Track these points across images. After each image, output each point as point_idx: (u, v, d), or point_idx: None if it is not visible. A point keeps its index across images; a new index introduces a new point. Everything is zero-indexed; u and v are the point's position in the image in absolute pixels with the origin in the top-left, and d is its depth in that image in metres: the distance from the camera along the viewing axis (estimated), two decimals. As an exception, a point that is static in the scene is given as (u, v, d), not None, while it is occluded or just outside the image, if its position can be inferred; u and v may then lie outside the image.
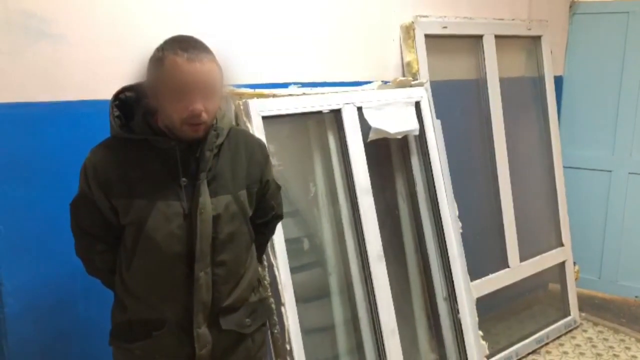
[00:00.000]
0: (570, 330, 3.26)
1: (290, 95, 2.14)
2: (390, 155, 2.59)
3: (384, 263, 2.31)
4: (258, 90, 2.06)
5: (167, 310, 1.41)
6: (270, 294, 1.97)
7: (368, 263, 2.27)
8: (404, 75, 2.64)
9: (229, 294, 1.46)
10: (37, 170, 1.72)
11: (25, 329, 1.75)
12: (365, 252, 2.28)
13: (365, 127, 2.31)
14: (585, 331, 3.27)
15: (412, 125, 2.46)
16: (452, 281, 2.57)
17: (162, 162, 1.37)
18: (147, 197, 1.36)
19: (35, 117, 1.70)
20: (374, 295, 2.28)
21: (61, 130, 1.74)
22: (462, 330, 2.57)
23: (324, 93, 2.23)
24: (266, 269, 1.98)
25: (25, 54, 1.66)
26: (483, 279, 2.82)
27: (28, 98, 1.68)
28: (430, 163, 2.56)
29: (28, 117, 1.68)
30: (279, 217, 1.71)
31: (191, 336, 1.41)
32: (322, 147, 2.33)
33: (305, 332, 2.05)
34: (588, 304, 3.55)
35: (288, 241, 2.04)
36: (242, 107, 1.99)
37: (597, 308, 3.55)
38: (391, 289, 2.32)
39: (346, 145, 2.26)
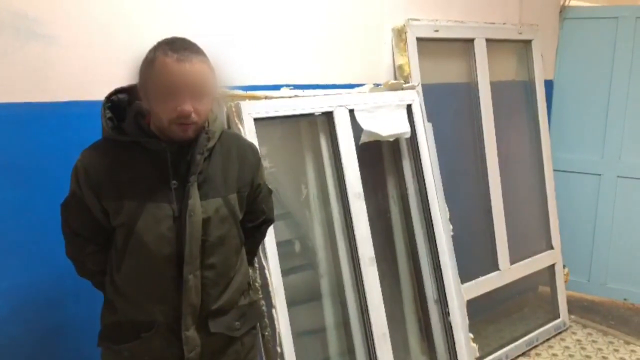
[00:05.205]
0: (559, 333, 3.28)
1: (282, 97, 2.14)
2: (381, 157, 2.60)
3: (375, 266, 2.31)
4: (250, 92, 2.06)
5: (156, 312, 1.40)
6: (261, 296, 1.97)
7: (359, 266, 2.28)
8: (395, 78, 2.65)
9: (218, 297, 1.45)
10: (26, 171, 1.71)
11: (14, 330, 1.74)
12: (357, 255, 2.28)
13: (357, 129, 2.31)
14: (574, 333, 3.29)
15: (403, 128, 2.47)
16: (443, 284, 2.57)
17: (153, 164, 1.37)
18: (138, 199, 1.35)
19: (25, 117, 1.69)
20: (365, 298, 2.28)
21: (51, 131, 1.73)
22: (452, 333, 2.57)
23: (316, 95, 2.23)
24: (257, 272, 1.98)
25: (15, 54, 1.65)
26: (473, 281, 2.84)
27: (18, 98, 1.67)
28: (421, 166, 2.56)
29: (18, 118, 1.67)
30: (269, 221, 1.70)
31: (180, 338, 1.40)
32: (314, 149, 2.33)
33: (296, 334, 2.05)
34: (577, 307, 3.58)
35: (279, 244, 2.04)
36: (234, 109, 1.99)
37: (586, 310, 3.57)
38: (382, 291, 2.33)
39: (338, 148, 2.27)
